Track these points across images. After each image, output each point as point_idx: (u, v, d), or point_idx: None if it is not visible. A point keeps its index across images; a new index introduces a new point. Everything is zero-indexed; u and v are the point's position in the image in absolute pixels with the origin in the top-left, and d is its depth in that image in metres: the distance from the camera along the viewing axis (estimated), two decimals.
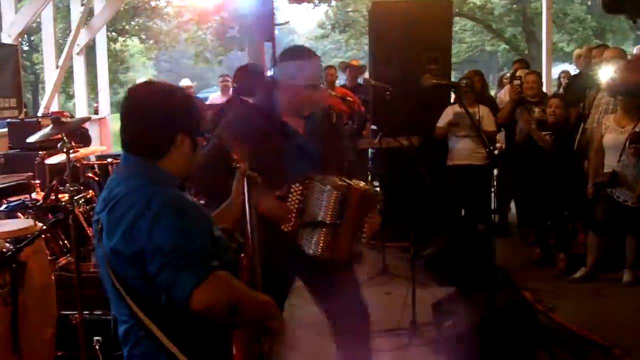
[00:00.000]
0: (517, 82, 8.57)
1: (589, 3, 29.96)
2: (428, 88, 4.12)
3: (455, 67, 22.42)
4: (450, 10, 9.73)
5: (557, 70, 14.48)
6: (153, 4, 24.54)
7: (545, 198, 7.54)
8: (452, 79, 10.47)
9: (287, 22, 14.66)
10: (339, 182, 3.66)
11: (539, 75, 9.09)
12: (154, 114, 2.52)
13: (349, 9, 25.28)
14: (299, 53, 3.88)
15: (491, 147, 6.32)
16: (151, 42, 27.60)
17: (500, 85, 11.98)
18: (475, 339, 4.65)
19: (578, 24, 28.11)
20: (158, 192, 2.45)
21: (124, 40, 28.25)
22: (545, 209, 7.65)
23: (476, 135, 7.32)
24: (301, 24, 41.19)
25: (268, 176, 3.45)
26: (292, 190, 3.70)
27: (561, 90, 10.41)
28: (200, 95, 25.53)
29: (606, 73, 7.49)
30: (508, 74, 11.05)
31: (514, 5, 27.86)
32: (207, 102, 13.23)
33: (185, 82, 13.96)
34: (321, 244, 3.62)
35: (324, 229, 3.61)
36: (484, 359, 4.68)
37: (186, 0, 23.08)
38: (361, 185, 3.78)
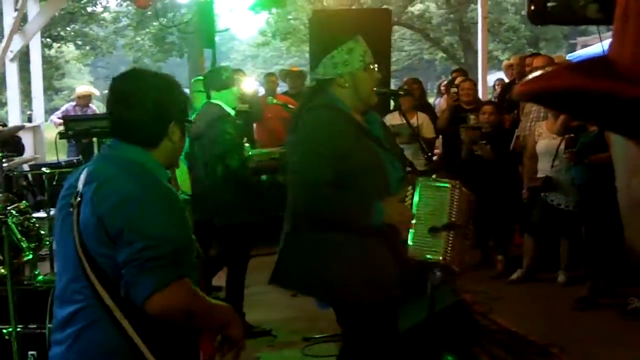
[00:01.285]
0: (454, 89, 8.71)
1: (523, 13, 30.56)
2: None
3: (394, 74, 22.59)
4: (389, 19, 9.85)
5: (492, 78, 14.74)
6: (90, 9, 24.18)
7: (484, 202, 7.66)
8: (392, 87, 10.57)
9: (227, 29, 14.54)
10: (450, 181, 3.35)
11: (474, 83, 9.26)
12: (150, 103, 2.45)
13: (290, 17, 25.29)
14: (342, 39, 3.48)
15: (430, 153, 6.39)
16: (87, 48, 27.18)
17: (440, 93, 12.15)
18: (417, 341, 4.70)
19: (512, 33, 28.68)
20: (155, 182, 2.41)
21: (59, 47, 27.78)
22: (484, 213, 7.77)
23: (415, 142, 7.39)
24: (242, 31, 41.03)
25: (375, 185, 3.26)
26: (407, 193, 3.30)
27: (494, 98, 10.62)
28: None
29: None
30: (446, 82, 11.22)
31: (451, 15, 28.27)
32: None
33: (82, 89, 13.59)
34: (449, 249, 3.22)
35: (451, 232, 3.23)
36: None
37: (124, 5, 22.87)
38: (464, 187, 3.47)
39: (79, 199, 2.37)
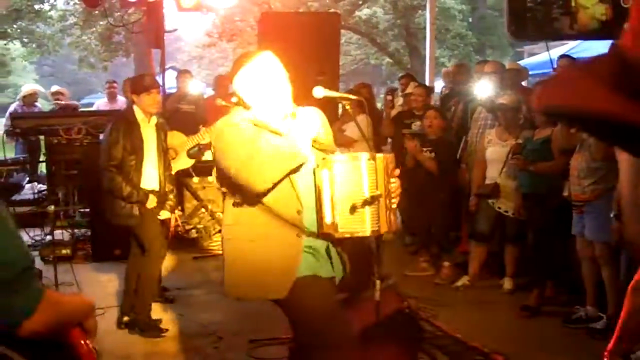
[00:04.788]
0: (389, 97, 8.79)
1: (470, 20, 30.93)
2: (317, 100, 4.12)
3: (341, 79, 22.67)
4: (338, 23, 9.86)
5: (439, 84, 14.88)
6: (37, 7, 23.70)
7: (429, 208, 7.71)
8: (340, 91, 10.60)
9: (175, 30, 14.43)
10: (364, 153, 3.53)
11: (427, 88, 9.30)
12: None
13: (237, 19, 25.16)
14: (250, 54, 3.82)
15: None
16: (34, 45, 26.64)
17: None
18: (362, 347, 4.70)
19: (459, 40, 28.96)
20: None
21: (5, 44, 27.22)
22: (429, 219, 7.82)
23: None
24: (188, 32, 40.69)
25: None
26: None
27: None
28: (84, 101, 24.89)
29: (484, 87, 7.74)
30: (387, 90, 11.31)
31: (398, 21, 28.43)
32: (93, 108, 12.91)
33: (27, 88, 13.63)
34: (376, 220, 3.45)
35: (374, 204, 3.43)
36: None
37: (71, 4, 22.47)
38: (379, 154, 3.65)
39: None
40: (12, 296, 2.08)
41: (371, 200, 3.42)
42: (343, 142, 8.18)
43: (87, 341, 2.45)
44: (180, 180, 8.28)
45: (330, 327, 3.66)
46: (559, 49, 14.19)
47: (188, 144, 7.27)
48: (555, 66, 7.87)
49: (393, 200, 3.66)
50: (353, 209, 3.43)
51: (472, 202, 7.28)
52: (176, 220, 6.83)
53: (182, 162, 7.30)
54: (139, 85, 6.13)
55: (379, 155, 3.58)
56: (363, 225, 3.46)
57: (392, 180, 3.66)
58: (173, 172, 6.79)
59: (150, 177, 6.05)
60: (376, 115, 9.17)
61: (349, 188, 3.46)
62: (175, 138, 7.23)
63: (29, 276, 2.13)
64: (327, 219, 3.49)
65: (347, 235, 3.51)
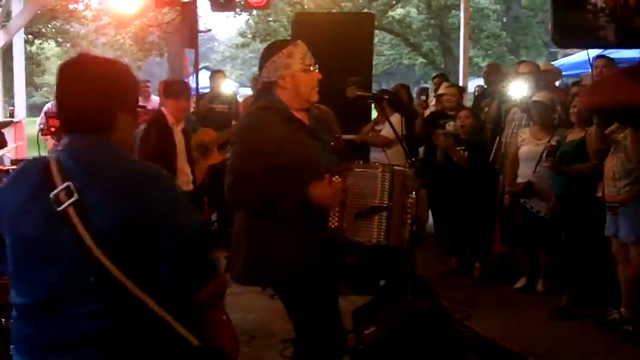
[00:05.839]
0: (422, 97, 8.73)
1: (504, 20, 30.74)
2: (350, 99, 4.14)
3: (374, 79, 22.67)
4: (372, 23, 9.86)
5: (472, 84, 14.82)
6: (71, 7, 23.96)
7: (462, 209, 7.68)
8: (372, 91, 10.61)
9: (209, 30, 14.54)
10: (380, 165, 3.64)
11: (460, 88, 9.27)
12: (96, 89, 2.27)
13: (270, 19, 25.27)
14: (281, 44, 3.81)
15: (413, 159, 6.41)
16: (68, 45, 26.98)
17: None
18: (394, 346, 4.71)
19: (493, 40, 28.81)
20: (163, 171, 2.33)
21: (40, 43, 27.61)
22: (462, 220, 7.79)
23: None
24: (222, 32, 40.92)
25: (305, 174, 3.51)
26: (332, 182, 3.58)
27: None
28: None
29: (518, 88, 7.70)
30: (419, 90, 11.30)
31: (432, 20, 28.36)
32: None
33: None
34: (382, 231, 3.53)
35: (380, 214, 3.52)
36: None
37: (105, 3, 22.66)
38: (398, 167, 3.73)
39: (75, 197, 2.16)
40: (200, 265, 2.33)
41: (377, 210, 3.51)
42: (381, 143, 8.17)
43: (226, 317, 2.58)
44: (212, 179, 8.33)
45: (328, 327, 3.73)
46: (594, 49, 14.02)
47: (219, 139, 7.31)
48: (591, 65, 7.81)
49: (408, 216, 3.70)
50: (358, 216, 3.53)
51: (506, 201, 7.23)
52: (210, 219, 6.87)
53: (214, 158, 7.33)
54: (168, 90, 6.19)
55: (398, 169, 3.66)
56: (368, 233, 3.55)
57: (411, 195, 3.71)
58: (205, 168, 6.83)
59: (180, 179, 6.09)
60: (415, 116, 9.16)
61: (359, 197, 3.56)
62: (206, 134, 7.27)
63: (210, 248, 2.40)
64: (332, 223, 3.59)
65: (351, 240, 3.61)
